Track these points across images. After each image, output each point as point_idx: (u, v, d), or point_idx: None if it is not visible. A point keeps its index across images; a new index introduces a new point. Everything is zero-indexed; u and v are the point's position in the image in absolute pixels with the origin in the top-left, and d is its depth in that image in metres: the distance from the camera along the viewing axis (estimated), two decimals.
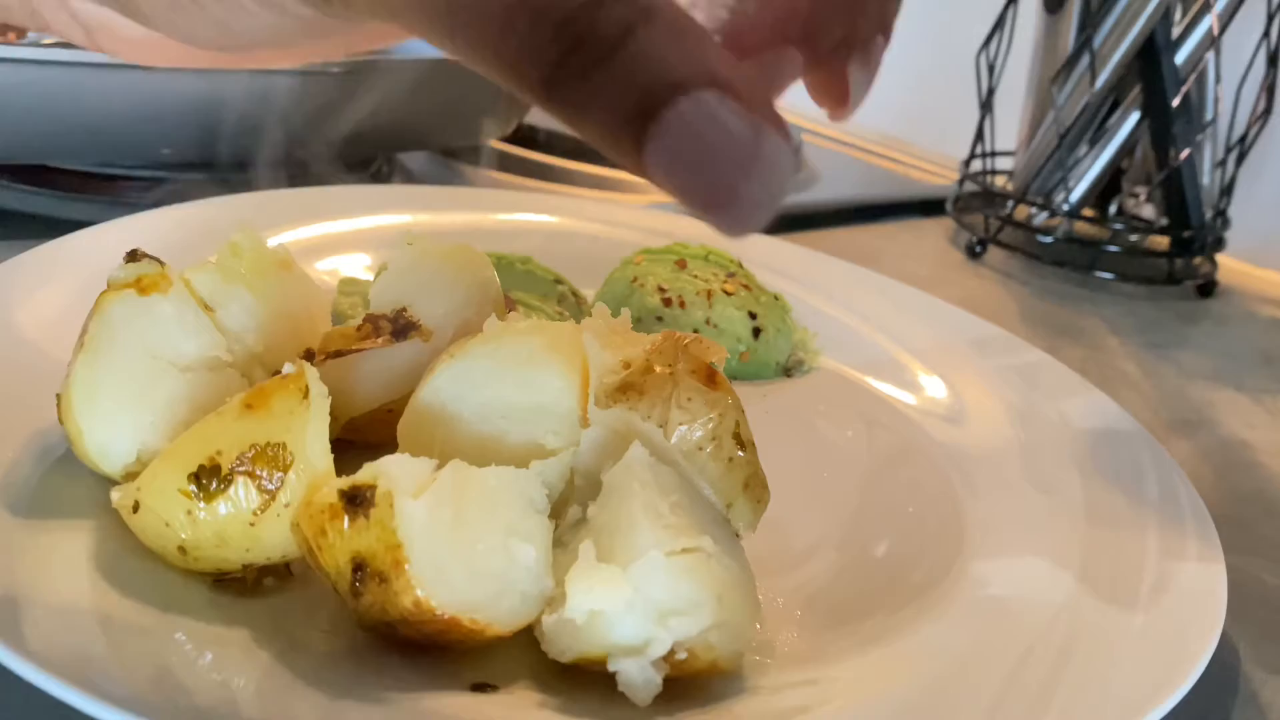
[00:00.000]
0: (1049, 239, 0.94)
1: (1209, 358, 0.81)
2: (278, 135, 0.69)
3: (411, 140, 0.84)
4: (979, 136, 0.98)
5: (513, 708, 0.33)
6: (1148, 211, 0.97)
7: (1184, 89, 0.88)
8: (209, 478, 0.34)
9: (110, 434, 0.37)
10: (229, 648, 0.33)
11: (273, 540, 0.35)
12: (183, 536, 0.35)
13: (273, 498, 0.34)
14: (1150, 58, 0.88)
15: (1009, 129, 1.01)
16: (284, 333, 0.43)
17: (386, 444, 0.38)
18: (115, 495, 0.36)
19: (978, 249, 0.95)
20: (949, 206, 1.01)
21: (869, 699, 0.36)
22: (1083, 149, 0.94)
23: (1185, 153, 0.89)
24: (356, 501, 0.32)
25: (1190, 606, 0.41)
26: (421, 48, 0.29)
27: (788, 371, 0.61)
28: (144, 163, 0.71)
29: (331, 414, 0.35)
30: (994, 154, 1.00)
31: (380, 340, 0.42)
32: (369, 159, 0.84)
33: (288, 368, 0.36)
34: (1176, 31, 0.88)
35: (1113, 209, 0.99)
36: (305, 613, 0.36)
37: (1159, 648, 0.39)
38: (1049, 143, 0.93)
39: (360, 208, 0.67)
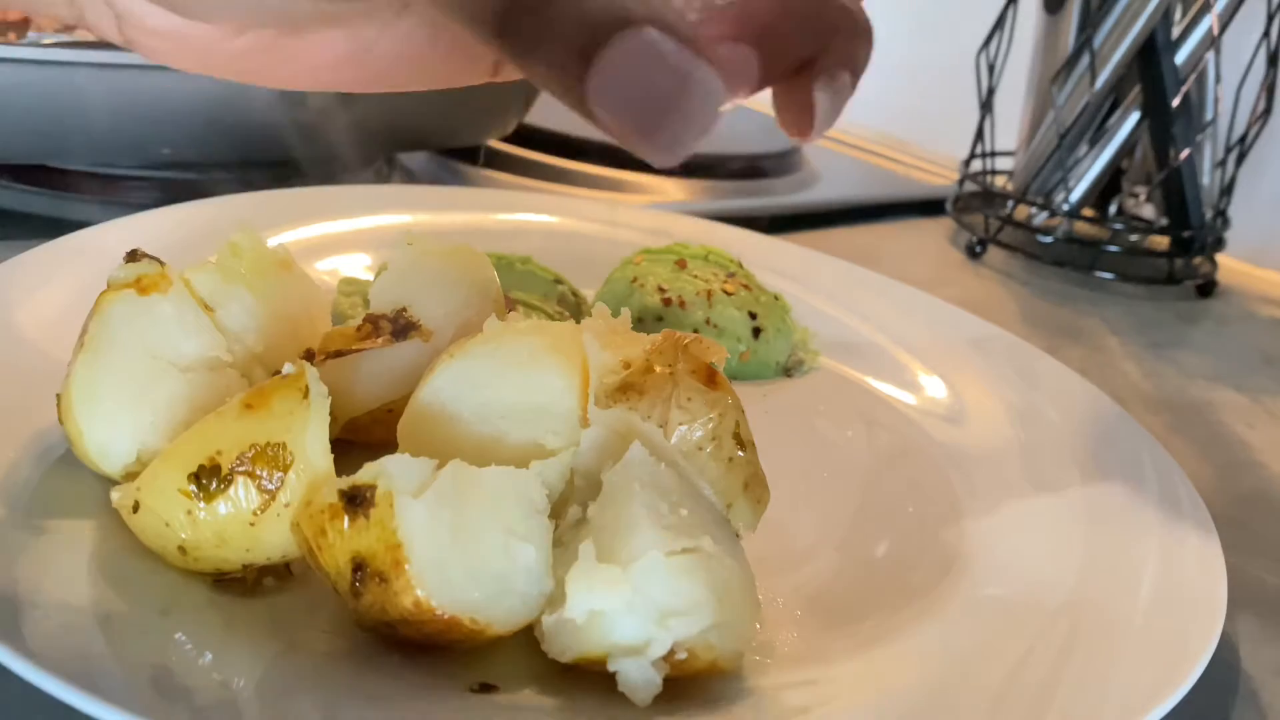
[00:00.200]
0: (1049, 239, 0.94)
1: (1209, 358, 0.81)
2: (278, 135, 0.69)
3: (411, 140, 0.84)
4: (979, 136, 0.98)
5: (513, 708, 0.33)
6: (1148, 211, 0.97)
7: (1184, 89, 0.88)
8: (209, 478, 0.34)
9: (110, 434, 0.37)
10: (229, 648, 0.33)
11: (273, 540, 0.35)
12: (183, 536, 0.35)
13: (273, 498, 0.34)
14: (1150, 58, 0.88)
15: (1009, 129, 1.01)
16: (284, 333, 0.43)
17: (386, 444, 0.38)
18: (115, 495, 0.36)
19: (978, 249, 0.95)
20: (949, 206, 1.01)
21: (869, 699, 0.36)
22: (1083, 149, 0.94)
23: (1185, 153, 0.89)
24: (356, 501, 0.32)
25: (1190, 606, 0.41)
26: None
27: (788, 371, 0.61)
28: (144, 163, 0.71)
29: (331, 414, 0.35)
30: (994, 154, 1.00)
31: (380, 340, 0.42)
32: (369, 159, 0.84)
33: (288, 368, 0.36)
34: (1176, 31, 0.89)
35: (1113, 209, 0.99)
36: (305, 613, 0.36)
37: (1159, 648, 0.39)
38: (1049, 143, 0.93)
39: (360, 208, 0.67)
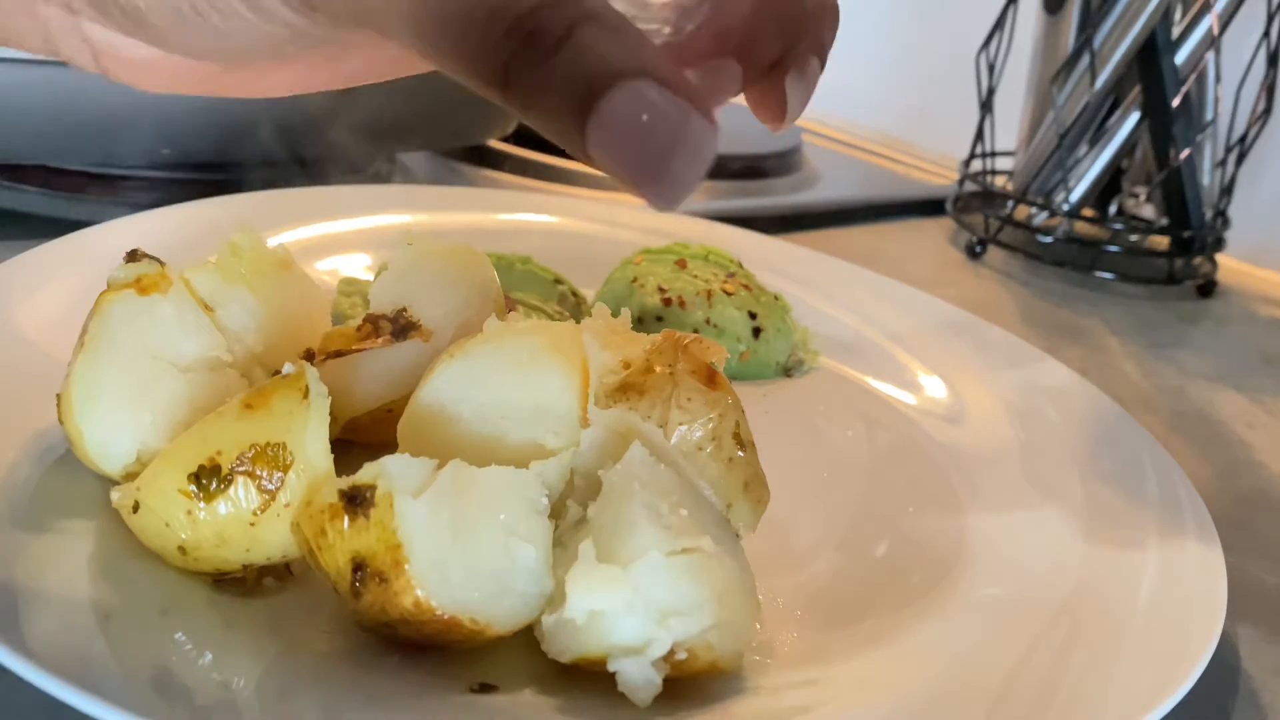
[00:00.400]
0: (1049, 239, 0.94)
1: (1209, 358, 0.81)
2: (278, 135, 0.69)
3: (411, 140, 0.84)
4: (979, 136, 0.98)
5: (513, 708, 0.33)
6: (1148, 211, 0.97)
7: (1184, 89, 0.88)
8: (209, 478, 0.34)
9: (110, 434, 0.37)
10: (229, 648, 0.33)
11: (273, 540, 0.35)
12: (183, 536, 0.35)
13: (273, 498, 0.34)
14: (1150, 58, 0.88)
15: (1009, 129, 1.01)
16: (284, 333, 0.43)
17: (386, 444, 0.38)
18: (115, 495, 0.36)
19: (978, 249, 0.95)
20: (949, 206, 1.01)
21: (869, 699, 0.36)
22: (1083, 149, 0.94)
23: (1185, 153, 0.89)
24: (356, 501, 0.32)
25: (1190, 607, 0.41)
26: None
27: (788, 371, 0.61)
28: (144, 163, 0.71)
29: (331, 414, 0.35)
30: (994, 154, 0.99)
31: (380, 340, 0.42)
32: (369, 159, 0.84)
33: (288, 368, 0.36)
34: (1176, 31, 0.88)
35: (1113, 209, 0.99)
36: (305, 613, 0.36)
37: (1159, 648, 0.39)
38: (1049, 143, 0.93)
39: (360, 208, 0.67)
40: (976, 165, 1.00)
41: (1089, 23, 0.90)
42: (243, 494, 0.34)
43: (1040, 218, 0.96)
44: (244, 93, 0.33)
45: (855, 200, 1.02)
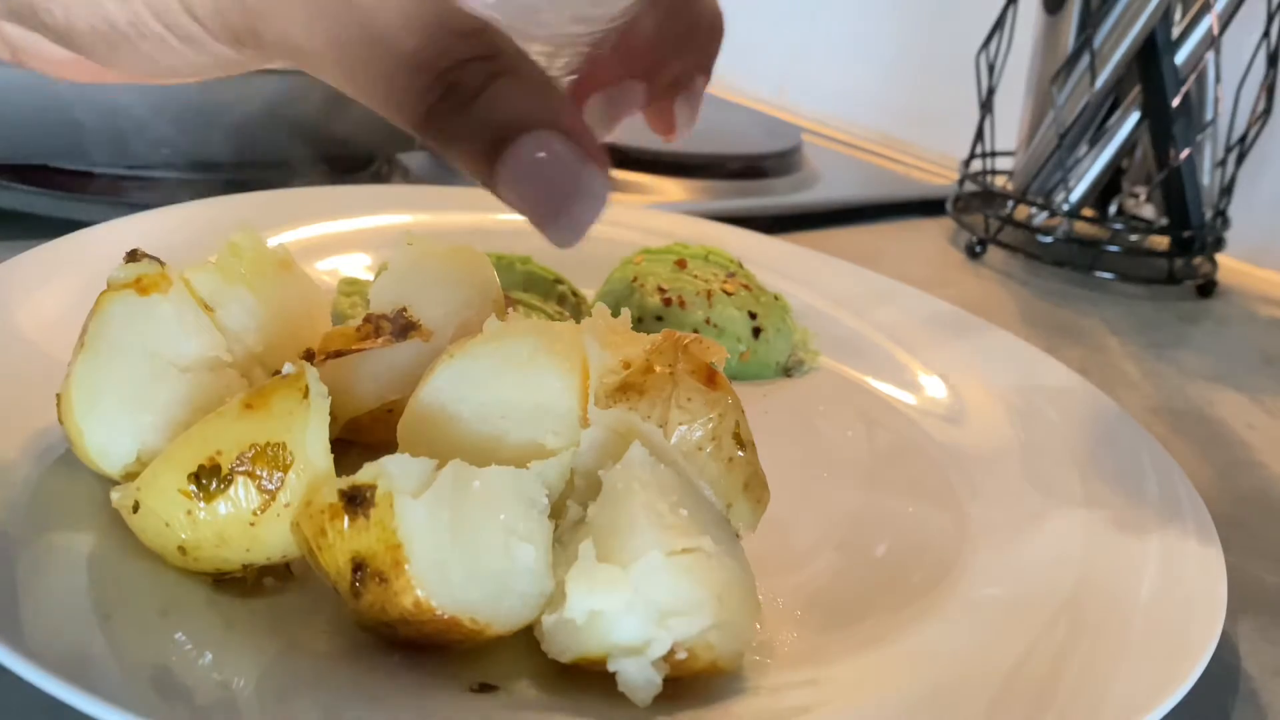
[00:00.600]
0: (1049, 239, 0.94)
1: (1209, 358, 0.81)
2: (278, 135, 0.69)
3: (412, 140, 0.84)
4: (979, 136, 0.98)
5: (513, 708, 0.33)
6: (1148, 211, 0.97)
7: (1184, 89, 0.88)
8: (209, 478, 0.34)
9: (110, 434, 0.37)
10: (229, 648, 0.33)
11: (273, 540, 0.35)
12: (183, 536, 0.35)
13: (273, 498, 0.34)
14: (1150, 58, 0.88)
15: (1009, 129, 1.01)
16: (284, 333, 0.43)
17: (386, 444, 0.38)
18: (115, 495, 0.36)
19: (978, 249, 0.95)
20: (949, 206, 1.01)
21: (869, 699, 0.36)
22: (1083, 149, 0.94)
23: (1185, 153, 0.89)
24: (356, 501, 0.32)
25: (1190, 607, 0.41)
26: None
27: (788, 371, 0.61)
28: (144, 163, 0.71)
29: (331, 414, 0.35)
30: (994, 154, 1.00)
31: (380, 340, 0.42)
32: (369, 159, 0.84)
33: (288, 368, 0.36)
34: (1176, 31, 0.88)
35: (1113, 209, 0.99)
36: (305, 613, 0.36)
37: (1159, 648, 0.39)
38: (1049, 143, 0.93)
39: (360, 208, 0.67)
40: (976, 165, 1.00)
41: (1089, 23, 0.90)
42: (243, 494, 0.34)
43: (1040, 218, 0.96)
44: (150, 81, 0.35)
45: (855, 200, 1.02)
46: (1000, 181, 1.03)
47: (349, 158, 0.80)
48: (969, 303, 0.72)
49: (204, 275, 0.41)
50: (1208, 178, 0.94)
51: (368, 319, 0.43)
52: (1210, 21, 0.87)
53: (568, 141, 0.29)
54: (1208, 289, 0.94)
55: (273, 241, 0.45)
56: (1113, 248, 0.93)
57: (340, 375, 0.41)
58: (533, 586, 0.34)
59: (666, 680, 0.33)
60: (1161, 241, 0.97)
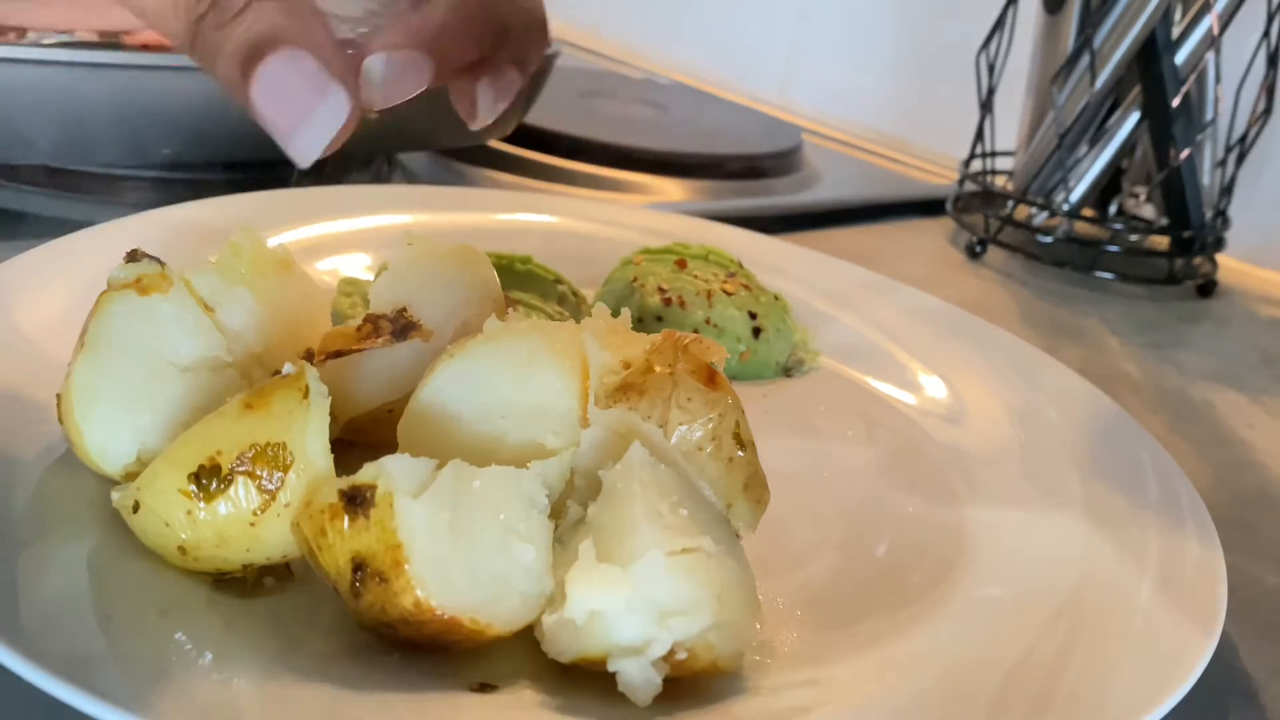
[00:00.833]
0: (1049, 239, 0.94)
1: (1209, 358, 0.81)
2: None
3: (411, 140, 0.84)
4: (979, 136, 0.98)
5: (513, 708, 0.33)
6: (1148, 211, 0.97)
7: (1184, 89, 0.88)
8: (209, 478, 0.34)
9: (110, 434, 0.37)
10: (229, 648, 0.33)
11: (273, 540, 0.35)
12: (183, 536, 0.35)
13: (273, 498, 0.34)
14: (1150, 58, 0.88)
15: (1009, 129, 1.01)
16: (284, 333, 0.43)
17: (386, 444, 0.38)
18: (115, 495, 0.36)
19: (978, 249, 0.95)
20: (949, 206, 1.01)
21: (869, 699, 0.36)
22: (1083, 149, 0.94)
23: (1185, 153, 0.89)
24: (356, 501, 0.32)
25: (1190, 607, 0.41)
26: None
27: (788, 371, 0.61)
28: (144, 163, 0.71)
29: (331, 414, 0.35)
30: (994, 154, 1.00)
31: (380, 340, 0.42)
32: (369, 159, 0.84)
33: (288, 368, 0.36)
34: (1176, 31, 0.88)
35: (1113, 209, 0.99)
36: (305, 613, 0.36)
37: (1159, 648, 0.39)
38: (1049, 143, 0.93)
39: (360, 208, 0.67)
40: (976, 165, 1.00)
41: (1089, 23, 0.90)
42: (243, 494, 0.34)
43: (1040, 218, 0.96)
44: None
45: (855, 200, 1.02)
46: (1000, 181, 1.03)
47: (349, 158, 0.80)
48: (969, 303, 0.72)
49: (204, 275, 0.41)
50: (1208, 178, 0.94)
51: (368, 319, 0.43)
52: (1210, 21, 0.87)
53: (316, 60, 0.32)
54: (1208, 289, 0.94)
55: (273, 241, 0.45)
56: (1113, 248, 0.93)
57: (340, 375, 0.41)
58: (533, 586, 0.34)
59: (666, 680, 0.33)
60: (1161, 241, 0.97)
